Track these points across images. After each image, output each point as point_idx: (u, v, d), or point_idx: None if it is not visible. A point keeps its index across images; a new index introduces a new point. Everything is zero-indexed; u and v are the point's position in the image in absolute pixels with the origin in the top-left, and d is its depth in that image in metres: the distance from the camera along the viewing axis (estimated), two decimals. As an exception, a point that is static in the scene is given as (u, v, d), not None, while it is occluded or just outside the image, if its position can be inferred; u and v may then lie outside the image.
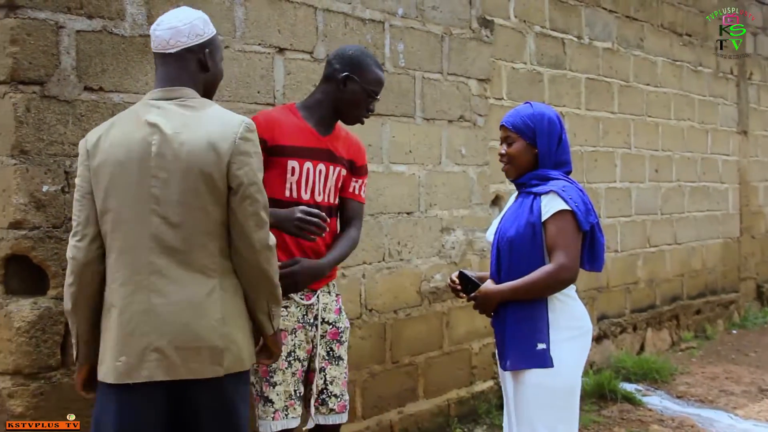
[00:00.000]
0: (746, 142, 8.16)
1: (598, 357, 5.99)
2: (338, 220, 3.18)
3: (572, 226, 2.82)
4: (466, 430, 4.71)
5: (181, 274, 2.30)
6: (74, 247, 2.34)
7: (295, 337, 2.95)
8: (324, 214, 2.85)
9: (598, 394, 5.37)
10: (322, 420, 3.06)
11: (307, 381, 3.04)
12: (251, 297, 2.43)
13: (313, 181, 2.99)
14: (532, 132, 2.94)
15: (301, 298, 2.97)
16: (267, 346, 2.60)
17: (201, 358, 2.31)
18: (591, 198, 3.02)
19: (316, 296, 3.03)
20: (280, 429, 2.91)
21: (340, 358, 3.10)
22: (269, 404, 2.90)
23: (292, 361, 2.95)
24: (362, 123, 3.16)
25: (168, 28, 2.40)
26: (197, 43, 2.43)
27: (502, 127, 3.03)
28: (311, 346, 3.02)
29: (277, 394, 2.91)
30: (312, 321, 3.02)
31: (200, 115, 2.34)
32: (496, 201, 5.19)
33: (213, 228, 2.32)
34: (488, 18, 4.96)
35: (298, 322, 2.97)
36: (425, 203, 4.52)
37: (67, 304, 2.38)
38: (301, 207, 2.82)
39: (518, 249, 2.86)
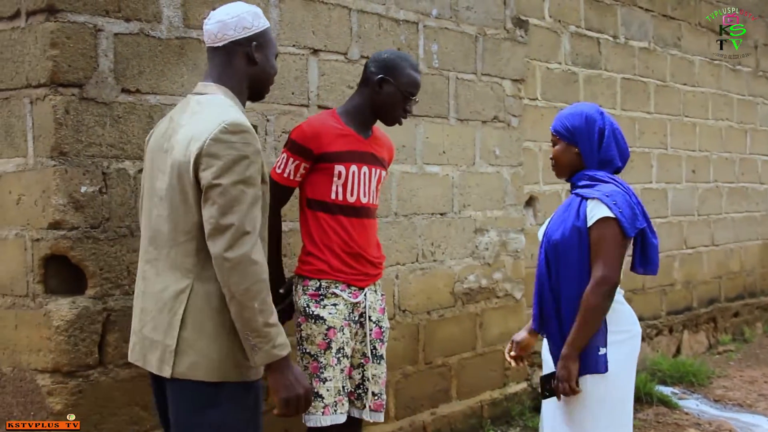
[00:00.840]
0: (786, 142, 8.02)
1: (634, 359, 5.93)
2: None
3: (614, 235, 2.77)
4: (499, 431, 4.69)
5: (163, 268, 2.34)
6: None
7: (343, 334, 3.00)
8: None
9: (633, 397, 5.32)
10: (357, 414, 3.11)
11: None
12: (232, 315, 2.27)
13: (358, 184, 3.05)
14: (570, 132, 2.92)
15: (348, 296, 3.02)
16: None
17: (155, 353, 2.33)
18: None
19: (363, 294, 3.08)
20: (329, 424, 2.97)
21: (381, 357, 3.17)
22: (319, 399, 2.95)
23: (341, 358, 3.00)
24: (400, 123, 3.23)
25: (216, 22, 2.44)
26: (244, 36, 2.43)
27: (550, 131, 3.04)
28: (354, 342, 3.08)
29: (327, 390, 2.97)
30: (357, 318, 3.08)
31: (201, 112, 2.34)
32: (530, 202, 5.16)
33: (190, 228, 2.29)
34: (523, 18, 4.93)
35: (345, 319, 3.02)
36: (459, 204, 4.51)
37: None
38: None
39: (564, 254, 2.84)
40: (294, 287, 3.09)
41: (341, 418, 3.01)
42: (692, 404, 5.43)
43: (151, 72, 3.05)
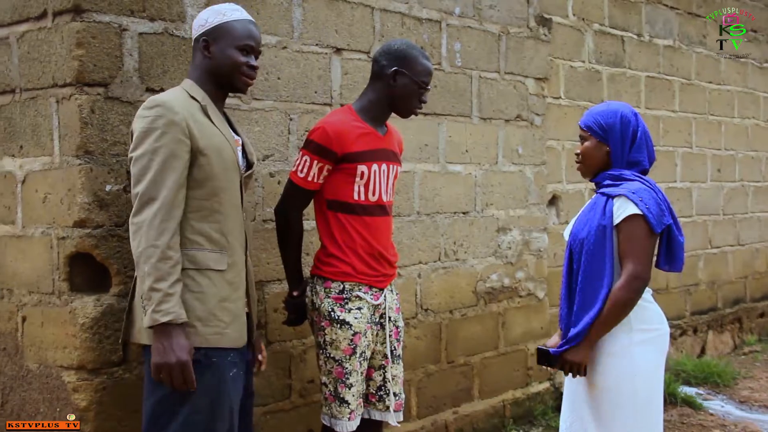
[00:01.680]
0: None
1: (658, 360, 5.88)
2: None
3: (643, 231, 2.76)
4: (521, 431, 4.68)
5: None
6: None
7: (366, 338, 2.98)
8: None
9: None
10: (379, 416, 3.10)
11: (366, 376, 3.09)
12: None
13: (379, 182, 3.01)
14: (603, 130, 2.89)
15: (371, 298, 3.00)
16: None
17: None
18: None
19: (383, 295, 3.06)
20: (354, 429, 2.98)
21: (399, 357, 3.16)
22: (345, 405, 2.95)
23: (362, 362, 2.99)
24: (416, 114, 3.17)
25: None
26: (199, 33, 2.62)
27: (580, 127, 2.99)
28: (375, 344, 3.07)
29: (353, 395, 2.96)
30: (378, 320, 3.06)
31: None
32: (553, 201, 5.14)
33: None
34: (546, 16, 4.91)
35: (368, 322, 3.00)
36: (481, 203, 4.50)
37: None
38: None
39: (589, 251, 2.82)
40: (311, 288, 3.05)
41: (359, 421, 3.01)
42: (717, 405, 5.38)
43: (176, 71, 3.06)
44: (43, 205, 2.98)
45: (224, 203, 2.53)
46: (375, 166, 2.99)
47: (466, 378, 4.46)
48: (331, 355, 2.95)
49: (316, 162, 2.93)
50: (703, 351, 6.56)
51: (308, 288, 3.07)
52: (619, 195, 2.79)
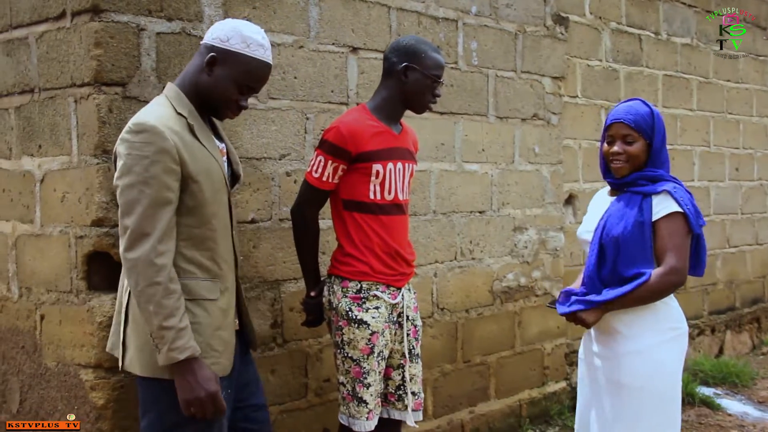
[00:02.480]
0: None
1: (675, 360, 5.85)
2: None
3: (683, 229, 2.77)
4: (538, 431, 4.66)
5: None
6: None
7: (383, 337, 2.98)
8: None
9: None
10: (398, 416, 3.09)
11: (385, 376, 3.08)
12: None
13: (395, 181, 3.00)
14: (651, 130, 2.87)
15: (388, 297, 3.00)
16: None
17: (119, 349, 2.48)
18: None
19: (401, 294, 3.06)
20: (372, 429, 2.97)
21: (418, 356, 3.15)
22: (363, 405, 2.95)
23: (380, 361, 2.99)
24: (430, 110, 3.17)
25: (215, 26, 2.49)
26: (214, 44, 2.42)
27: (618, 124, 2.88)
28: (393, 343, 3.06)
29: (371, 395, 2.96)
30: (395, 319, 3.05)
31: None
32: (570, 200, 5.12)
33: None
34: (563, 15, 4.89)
35: (386, 321, 3.00)
36: (498, 202, 4.49)
37: None
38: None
39: (625, 248, 2.80)
40: (329, 288, 3.05)
41: (375, 422, 3.01)
42: (735, 406, 5.34)
43: (193, 71, 3.07)
44: (61, 204, 3.00)
45: (216, 229, 2.42)
46: (390, 165, 2.98)
47: (483, 377, 4.45)
48: (349, 355, 2.95)
49: (330, 162, 2.93)
50: (721, 351, 6.52)
51: (326, 287, 3.07)
52: (662, 192, 2.80)
